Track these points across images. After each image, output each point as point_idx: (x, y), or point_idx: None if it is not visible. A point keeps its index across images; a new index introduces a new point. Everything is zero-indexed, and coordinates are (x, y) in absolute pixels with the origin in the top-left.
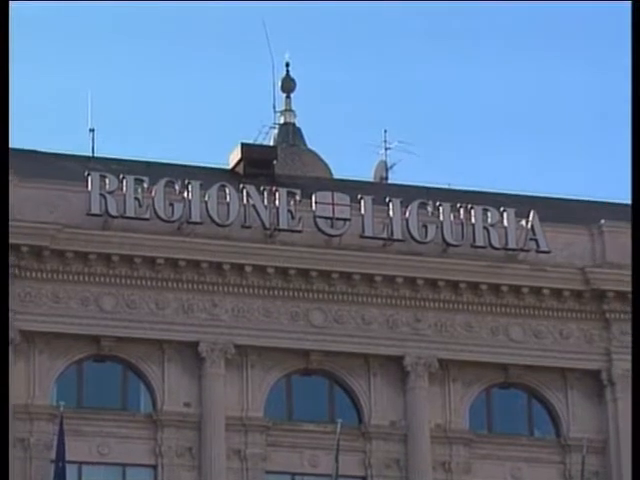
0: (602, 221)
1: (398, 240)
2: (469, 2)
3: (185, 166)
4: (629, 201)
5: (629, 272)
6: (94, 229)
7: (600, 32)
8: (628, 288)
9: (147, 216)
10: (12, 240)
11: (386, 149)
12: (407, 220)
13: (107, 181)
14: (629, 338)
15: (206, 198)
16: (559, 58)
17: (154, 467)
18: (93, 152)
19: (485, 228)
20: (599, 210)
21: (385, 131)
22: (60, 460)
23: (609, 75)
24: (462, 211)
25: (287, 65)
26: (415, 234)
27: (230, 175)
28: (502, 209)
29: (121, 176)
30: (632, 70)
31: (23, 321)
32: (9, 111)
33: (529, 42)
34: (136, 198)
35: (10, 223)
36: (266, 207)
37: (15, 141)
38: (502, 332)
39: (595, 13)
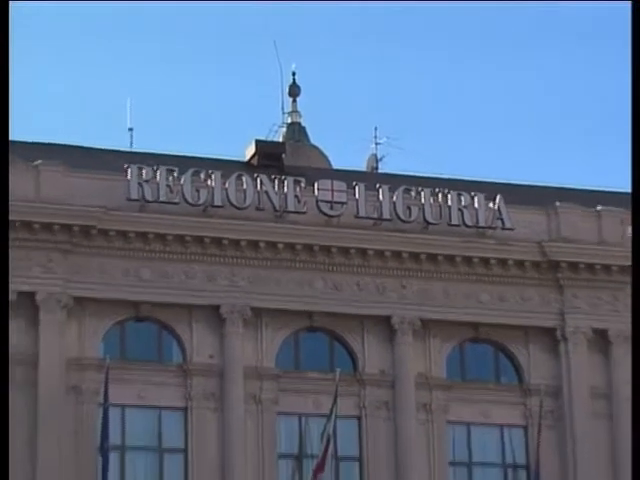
0: (557, 203)
1: (386, 220)
2: (464, 3)
3: (209, 159)
4: (580, 186)
5: (579, 245)
6: (133, 212)
7: (600, 32)
8: (578, 259)
9: (177, 200)
10: (65, 221)
11: (376, 144)
12: (394, 203)
13: (143, 172)
14: (579, 301)
15: (226, 185)
16: (545, 55)
17: (184, 409)
18: (131, 147)
19: (459, 209)
20: (554, 194)
21: (376, 128)
22: (106, 403)
23: (576, 71)
24: (440, 195)
25: (294, 74)
26: (401, 214)
27: (246, 166)
28: (473, 193)
29: (155, 167)
30: (632, 70)
31: (75, 289)
32: (9, 109)
33: (528, 42)
34: (168, 185)
35: (62, 207)
36: (276, 193)
37: (67, 138)
38: (473, 296)
39: (595, 13)
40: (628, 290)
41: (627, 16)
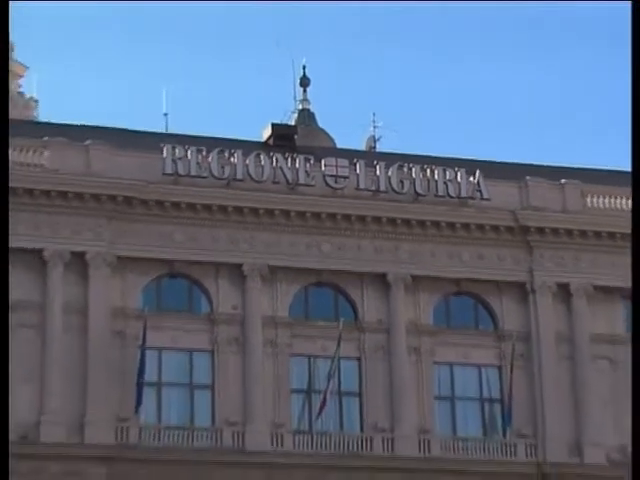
0: (527, 177)
1: (382, 191)
2: (463, 3)
3: (232, 140)
4: (547, 163)
5: (545, 213)
6: (168, 184)
7: (600, 32)
8: (545, 224)
9: (205, 175)
10: (111, 192)
11: (374, 127)
12: (389, 177)
13: (176, 150)
14: (545, 260)
15: (247, 162)
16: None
17: (211, 352)
18: (167, 130)
19: (444, 182)
20: (525, 169)
21: (374, 114)
22: (143, 346)
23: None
24: (428, 170)
25: (304, 68)
26: (394, 187)
27: (263, 146)
28: (456, 169)
29: (186, 147)
30: (632, 70)
31: (119, 249)
32: (9, 109)
33: (527, 40)
34: (197, 162)
35: (109, 180)
36: (289, 168)
37: (113, 122)
38: (456, 256)
39: (595, 13)
40: (587, 250)
41: (627, 16)
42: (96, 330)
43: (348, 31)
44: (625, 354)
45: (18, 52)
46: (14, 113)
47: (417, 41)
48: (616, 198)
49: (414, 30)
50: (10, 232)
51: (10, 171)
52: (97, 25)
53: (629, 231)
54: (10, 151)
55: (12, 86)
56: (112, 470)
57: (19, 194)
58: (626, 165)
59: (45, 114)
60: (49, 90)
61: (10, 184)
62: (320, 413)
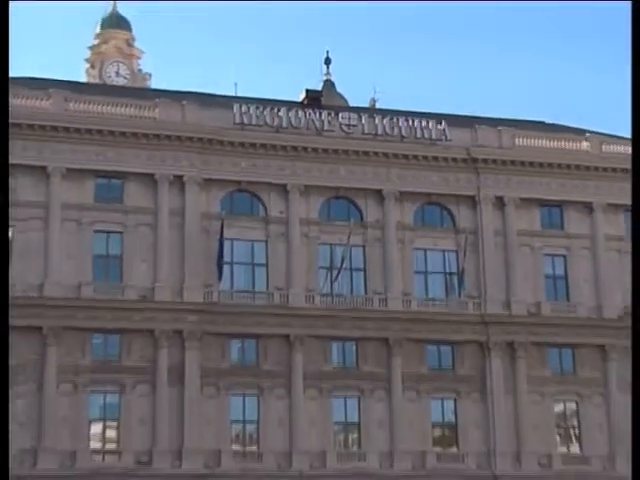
0: (476, 126)
1: (380, 135)
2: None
3: (280, 100)
4: (490, 115)
5: (488, 149)
6: (237, 130)
7: (600, 32)
8: (488, 157)
9: (261, 124)
10: (199, 135)
11: (374, 92)
12: (384, 125)
13: (243, 107)
14: (488, 181)
15: (289, 115)
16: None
17: (265, 242)
18: (236, 93)
19: (421, 129)
20: (475, 120)
21: (374, 86)
22: (221, 238)
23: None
24: (409, 121)
25: (327, 52)
26: (388, 132)
27: (301, 105)
28: (429, 120)
29: (248, 105)
30: (632, 69)
31: (205, 173)
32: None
33: (528, 40)
34: (257, 115)
35: (198, 126)
36: (317, 120)
37: (202, 88)
38: (428, 178)
39: (595, 13)
40: (516, 174)
41: (627, 16)
42: (190, 227)
43: (359, 26)
44: (540, 243)
45: (139, 40)
46: (136, 84)
47: (414, 33)
48: (536, 139)
49: (414, 26)
50: (127, 163)
51: (136, 122)
52: (192, 18)
53: (544, 160)
54: (132, 109)
55: (134, 65)
56: (201, 319)
57: (138, 136)
58: (545, 117)
59: (156, 83)
60: (161, 66)
61: (134, 130)
62: (336, 279)
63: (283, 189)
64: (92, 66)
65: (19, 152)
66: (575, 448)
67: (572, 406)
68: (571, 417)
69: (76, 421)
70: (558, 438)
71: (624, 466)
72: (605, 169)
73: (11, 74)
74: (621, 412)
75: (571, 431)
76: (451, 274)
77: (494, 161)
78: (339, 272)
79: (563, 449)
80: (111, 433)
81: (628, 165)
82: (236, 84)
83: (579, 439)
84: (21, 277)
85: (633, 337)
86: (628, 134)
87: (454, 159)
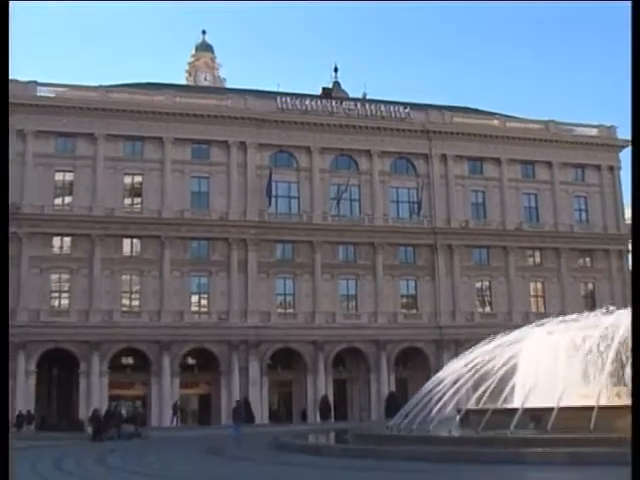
0: (429, 110)
1: (370, 116)
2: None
3: (305, 94)
4: (460, 104)
5: (437, 124)
6: (279, 113)
7: (600, 32)
8: (436, 129)
9: (294, 109)
10: (253, 116)
11: (365, 89)
12: (372, 110)
13: (282, 98)
14: (439, 144)
15: (312, 103)
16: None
17: (297, 182)
18: (278, 89)
19: (395, 112)
20: (428, 106)
21: (365, 86)
22: (270, 180)
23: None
24: (387, 107)
25: (335, 64)
26: (374, 114)
27: (319, 97)
28: (400, 106)
29: (285, 97)
30: (632, 69)
31: (258, 140)
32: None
33: (528, 40)
34: (291, 103)
35: (250, 110)
36: (329, 106)
37: (257, 85)
38: (400, 144)
39: (595, 13)
40: (456, 140)
41: (627, 16)
42: (250, 174)
43: (361, 36)
44: (465, 183)
45: (218, 57)
46: (216, 84)
47: (408, 34)
48: (464, 118)
49: (412, 27)
50: (212, 134)
51: (217, 108)
52: (264, 26)
53: (470, 131)
54: (214, 101)
55: (215, 73)
56: (257, 231)
57: (218, 118)
58: (474, 104)
59: (229, 83)
60: (231, 74)
61: (216, 114)
62: (338, 204)
63: (308, 150)
64: (189, 74)
65: (147, 130)
66: (487, 309)
67: (486, 284)
68: (486, 290)
69: (183, 294)
70: (478, 303)
71: (519, 318)
72: (508, 137)
73: (136, 80)
74: (518, 286)
75: (485, 299)
76: (413, 203)
77: (440, 132)
78: (338, 201)
79: (480, 309)
80: (204, 301)
81: (523, 135)
82: (278, 84)
83: (490, 303)
84: (147, 205)
85: (633, 337)
86: (528, 115)
87: (415, 130)
